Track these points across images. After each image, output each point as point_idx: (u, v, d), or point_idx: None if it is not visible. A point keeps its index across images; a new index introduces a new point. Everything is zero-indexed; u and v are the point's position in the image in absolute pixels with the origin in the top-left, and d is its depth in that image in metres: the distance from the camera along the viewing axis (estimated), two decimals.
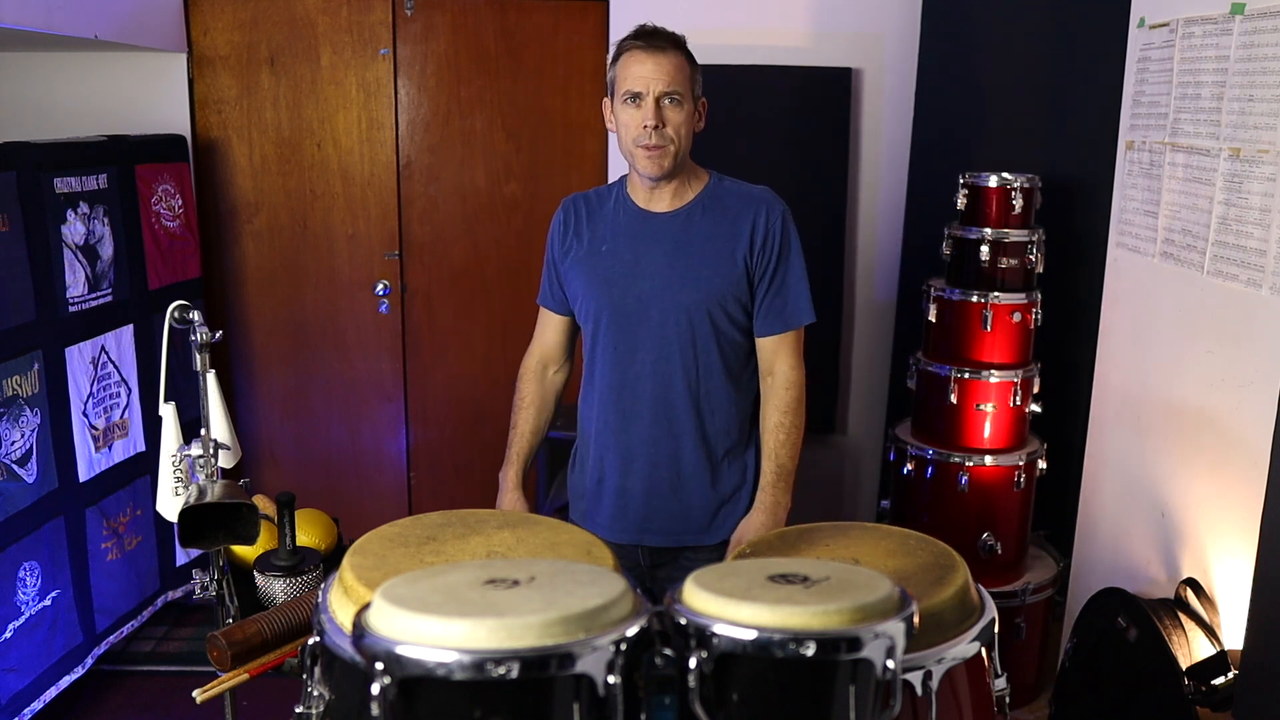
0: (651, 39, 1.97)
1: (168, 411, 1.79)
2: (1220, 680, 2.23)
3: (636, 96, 1.95)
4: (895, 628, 1.06)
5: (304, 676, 1.30)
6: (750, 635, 1.04)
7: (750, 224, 2.01)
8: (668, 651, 1.12)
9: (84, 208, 3.02)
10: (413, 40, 3.73)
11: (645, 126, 1.94)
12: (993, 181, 3.01)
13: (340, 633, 1.22)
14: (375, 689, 1.00)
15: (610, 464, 2.09)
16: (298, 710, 1.28)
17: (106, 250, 3.12)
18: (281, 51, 3.72)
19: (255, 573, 1.82)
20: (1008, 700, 1.38)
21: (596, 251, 2.07)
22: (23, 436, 2.75)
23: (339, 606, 1.29)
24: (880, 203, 3.78)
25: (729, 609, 1.08)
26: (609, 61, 2.03)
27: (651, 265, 2.03)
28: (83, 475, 3.00)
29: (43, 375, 2.82)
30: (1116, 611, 2.54)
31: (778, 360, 2.06)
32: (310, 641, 1.28)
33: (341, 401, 3.97)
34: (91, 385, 3.05)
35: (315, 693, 1.24)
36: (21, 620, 2.74)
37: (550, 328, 2.21)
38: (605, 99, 2.06)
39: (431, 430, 4.00)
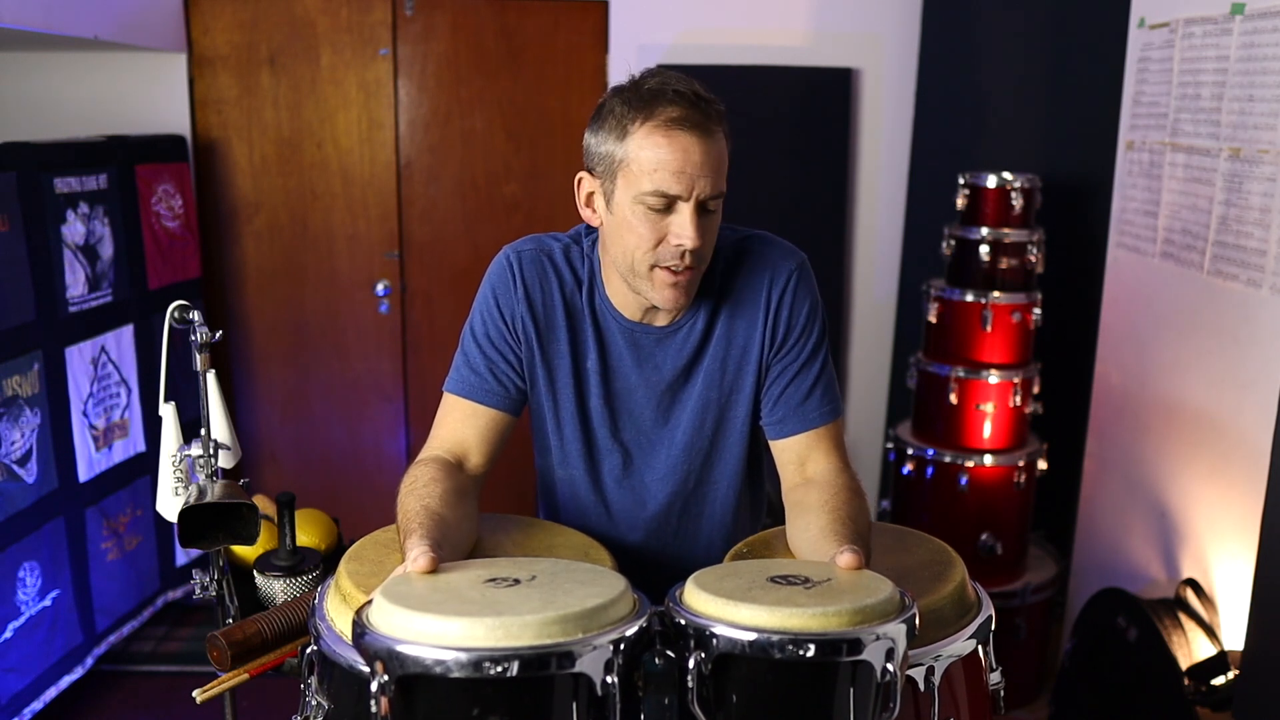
0: (696, 110, 1.34)
1: (168, 411, 1.79)
2: (1220, 680, 2.23)
3: (670, 201, 1.35)
4: (896, 630, 1.06)
5: (302, 686, 1.30)
6: (749, 636, 1.04)
7: (762, 315, 1.51)
8: (668, 652, 1.12)
9: (84, 208, 3.02)
10: (413, 40, 3.73)
11: (680, 246, 1.36)
12: (992, 181, 3.01)
13: (338, 640, 1.22)
14: (374, 686, 1.00)
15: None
16: None
17: (106, 250, 3.12)
18: (281, 51, 3.72)
19: (255, 573, 1.82)
20: (1002, 695, 1.38)
21: (573, 366, 1.53)
22: (23, 436, 2.75)
23: (336, 614, 1.29)
24: (880, 203, 3.78)
25: (728, 610, 1.08)
26: (609, 126, 1.38)
27: (654, 398, 1.54)
28: (83, 475, 3.01)
29: (43, 375, 2.82)
30: (1116, 611, 2.55)
31: (817, 458, 1.51)
32: (308, 650, 1.28)
33: (341, 401, 3.97)
34: (91, 385, 3.05)
35: (314, 702, 1.24)
36: (21, 620, 2.74)
37: (472, 424, 1.52)
38: (583, 174, 1.44)
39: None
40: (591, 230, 1.53)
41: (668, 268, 1.38)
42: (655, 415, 1.56)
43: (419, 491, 1.38)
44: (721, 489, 1.62)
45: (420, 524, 1.29)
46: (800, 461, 1.52)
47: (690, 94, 1.35)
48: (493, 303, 1.52)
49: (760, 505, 1.76)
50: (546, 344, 1.53)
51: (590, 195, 1.44)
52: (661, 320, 1.52)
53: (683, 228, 1.35)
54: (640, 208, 1.36)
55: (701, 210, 1.36)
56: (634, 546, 1.63)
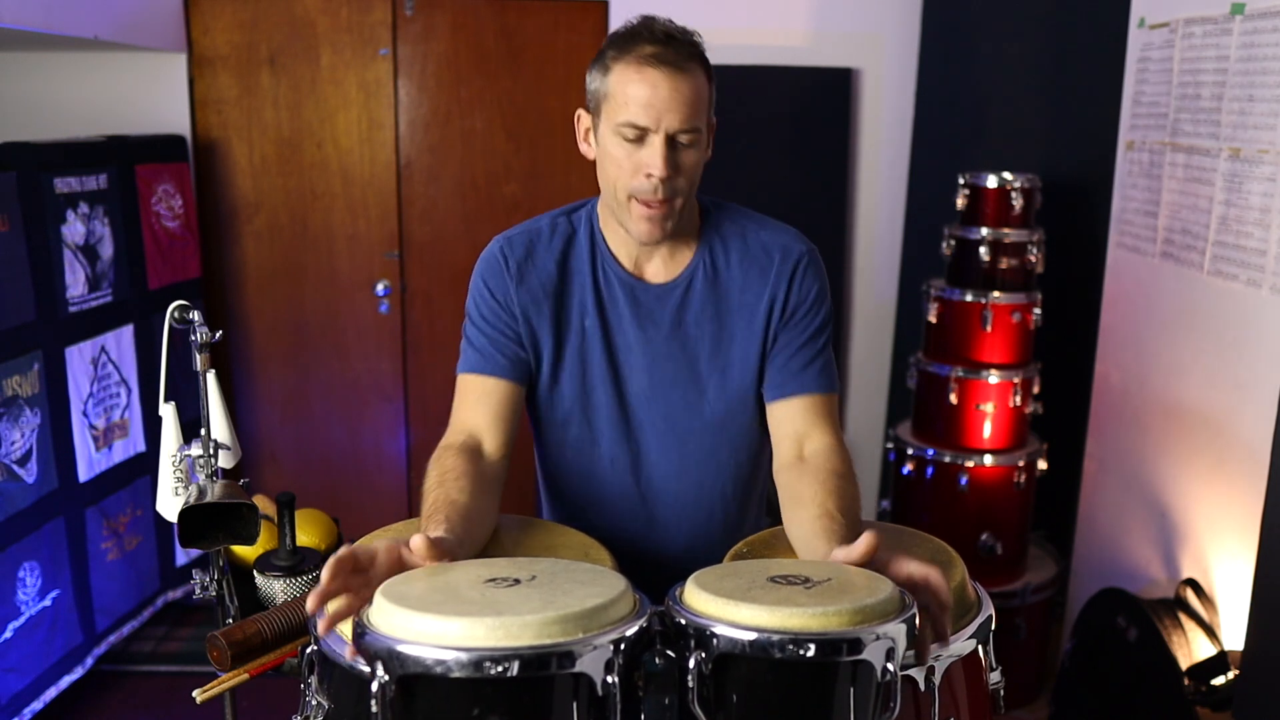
0: (668, 48, 1.42)
1: (168, 411, 1.79)
2: (1220, 680, 2.23)
3: (641, 133, 1.43)
4: (896, 629, 1.06)
5: (302, 686, 1.30)
6: (749, 636, 1.04)
7: (771, 288, 1.55)
8: (668, 652, 1.12)
9: (84, 208, 3.02)
10: (413, 40, 3.73)
11: (650, 175, 1.43)
12: (992, 181, 3.01)
13: (338, 640, 1.22)
14: (374, 686, 1.00)
15: None
16: None
17: (106, 250, 3.12)
18: (281, 51, 3.72)
19: (255, 573, 1.82)
20: (1002, 695, 1.38)
21: (570, 326, 1.57)
22: (23, 436, 2.75)
23: None
24: (880, 203, 3.78)
25: (728, 610, 1.08)
26: (599, 64, 1.48)
27: (651, 355, 1.56)
28: (83, 475, 3.01)
29: (43, 375, 2.82)
30: (1116, 611, 2.55)
31: (812, 433, 1.53)
32: (308, 650, 1.28)
33: (341, 401, 3.97)
34: (91, 385, 3.05)
35: (314, 702, 1.24)
36: (22, 620, 2.74)
37: (485, 401, 1.55)
38: (581, 111, 1.54)
39: (431, 430, 4.00)
40: (590, 199, 1.61)
41: (644, 201, 1.46)
42: (656, 374, 1.58)
43: (447, 484, 1.41)
44: (728, 461, 1.62)
45: (445, 517, 1.34)
46: (796, 436, 1.54)
47: (664, 34, 1.43)
48: (484, 286, 1.58)
49: (761, 503, 1.76)
50: (545, 313, 1.57)
51: (587, 131, 1.54)
52: (656, 277, 1.57)
53: (651, 158, 1.42)
54: (616, 138, 1.44)
55: (672, 144, 1.43)
56: (632, 514, 1.63)
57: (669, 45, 1.42)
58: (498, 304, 1.56)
